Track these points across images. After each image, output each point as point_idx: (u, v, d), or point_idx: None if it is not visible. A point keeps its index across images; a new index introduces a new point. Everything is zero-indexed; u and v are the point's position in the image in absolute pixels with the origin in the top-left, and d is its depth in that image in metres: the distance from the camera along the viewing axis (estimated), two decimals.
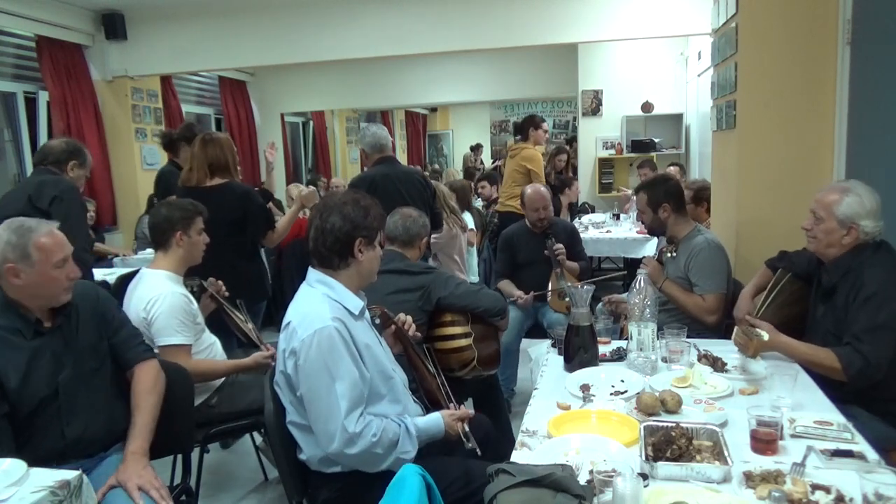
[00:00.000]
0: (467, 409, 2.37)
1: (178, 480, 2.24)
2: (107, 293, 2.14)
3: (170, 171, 4.13)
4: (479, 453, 1.94)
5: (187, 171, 3.47)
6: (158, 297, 2.43)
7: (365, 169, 4.42)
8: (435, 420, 1.97)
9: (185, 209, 2.66)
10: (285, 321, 1.92)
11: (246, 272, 3.43)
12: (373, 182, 3.76)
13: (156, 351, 2.28)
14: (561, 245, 3.78)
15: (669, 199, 2.88)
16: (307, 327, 1.82)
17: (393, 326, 2.21)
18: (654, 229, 3.01)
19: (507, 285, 3.89)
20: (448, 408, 2.11)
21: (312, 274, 2.00)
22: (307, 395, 1.82)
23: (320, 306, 1.88)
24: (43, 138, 5.61)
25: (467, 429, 1.97)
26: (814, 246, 2.24)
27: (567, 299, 3.62)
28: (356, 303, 1.95)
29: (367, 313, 2.03)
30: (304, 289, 2.00)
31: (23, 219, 1.90)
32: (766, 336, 2.08)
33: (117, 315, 2.11)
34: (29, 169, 5.52)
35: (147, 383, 2.03)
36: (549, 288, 3.77)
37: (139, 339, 2.13)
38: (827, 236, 2.17)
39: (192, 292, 2.67)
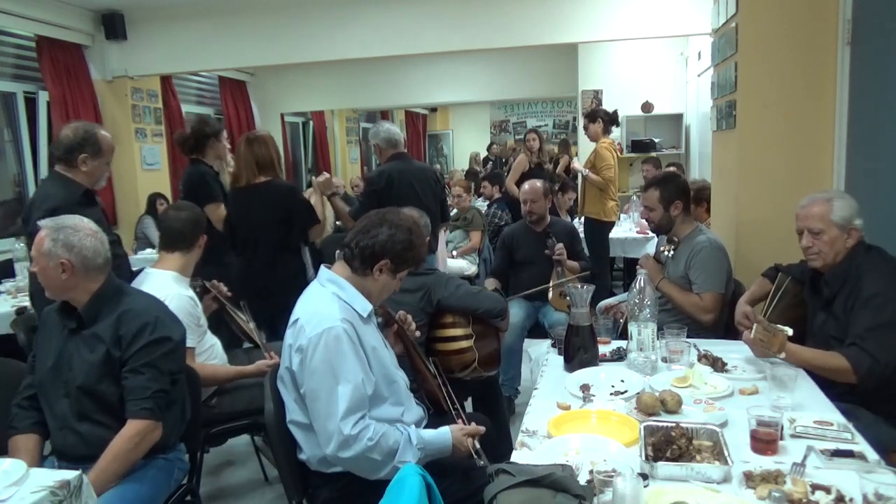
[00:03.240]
0: (468, 410, 2.37)
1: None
2: (149, 326, 1.99)
3: (208, 171, 3.74)
4: (490, 471, 1.90)
5: (235, 173, 3.49)
6: (165, 298, 2.43)
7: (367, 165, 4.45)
8: (442, 434, 1.92)
9: (201, 212, 2.72)
10: (293, 318, 1.92)
11: (292, 268, 3.47)
12: (389, 177, 3.80)
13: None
14: (562, 245, 3.79)
15: (682, 197, 2.87)
16: (316, 326, 1.83)
17: (395, 326, 2.21)
18: (661, 227, 2.95)
19: (491, 283, 3.90)
20: (452, 411, 2.10)
21: (324, 273, 2.00)
22: (309, 394, 1.82)
23: (330, 305, 1.88)
24: (43, 138, 5.61)
25: (478, 445, 1.92)
26: (820, 262, 2.20)
27: (567, 298, 3.63)
28: (365, 305, 1.95)
29: (374, 317, 2.03)
30: (314, 287, 2.00)
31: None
32: (790, 331, 2.04)
33: (137, 359, 1.96)
34: (28, 169, 5.54)
35: (123, 437, 1.91)
36: (550, 289, 3.77)
37: (143, 393, 1.95)
38: (832, 247, 2.16)
39: (195, 293, 2.68)
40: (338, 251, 2.03)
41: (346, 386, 1.79)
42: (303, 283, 3.49)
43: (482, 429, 1.99)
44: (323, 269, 2.02)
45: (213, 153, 3.82)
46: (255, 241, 3.44)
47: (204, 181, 3.66)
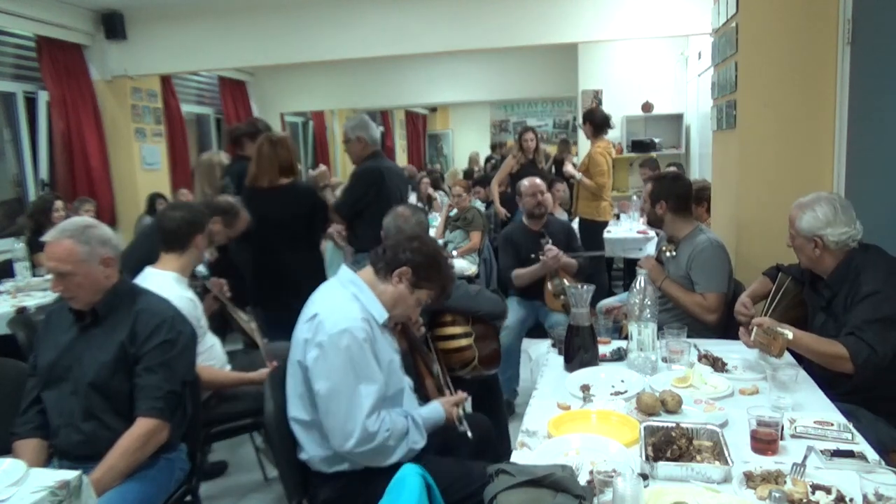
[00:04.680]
0: (468, 411, 2.37)
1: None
2: (165, 328, 2.01)
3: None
4: (470, 436, 2.01)
5: (255, 172, 3.55)
6: None
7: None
8: (435, 408, 2.03)
9: (199, 211, 2.70)
10: (311, 312, 1.92)
11: (318, 263, 3.65)
12: (381, 175, 3.76)
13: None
14: (554, 248, 3.75)
15: (669, 198, 2.88)
16: (336, 323, 1.84)
17: (398, 324, 2.22)
18: (649, 221, 3.07)
19: (519, 272, 3.84)
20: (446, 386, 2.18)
21: (346, 273, 2.02)
22: (328, 392, 1.82)
23: (350, 305, 1.91)
24: (43, 138, 5.62)
25: (461, 412, 2.03)
26: (802, 262, 2.32)
27: (562, 297, 3.62)
28: (382, 312, 1.96)
29: (388, 327, 2.03)
30: (333, 284, 2.02)
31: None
32: (790, 335, 2.04)
33: (152, 357, 1.98)
34: (28, 169, 5.54)
35: (133, 434, 1.92)
36: (545, 289, 3.76)
37: (155, 393, 1.97)
38: (802, 251, 2.25)
39: (196, 293, 2.67)
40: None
41: (371, 386, 1.83)
42: (323, 278, 3.59)
43: (465, 395, 2.15)
44: (345, 268, 2.05)
45: (249, 151, 3.91)
46: (284, 240, 3.50)
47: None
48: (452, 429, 2.05)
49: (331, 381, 1.82)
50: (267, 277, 3.52)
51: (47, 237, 1.97)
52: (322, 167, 3.90)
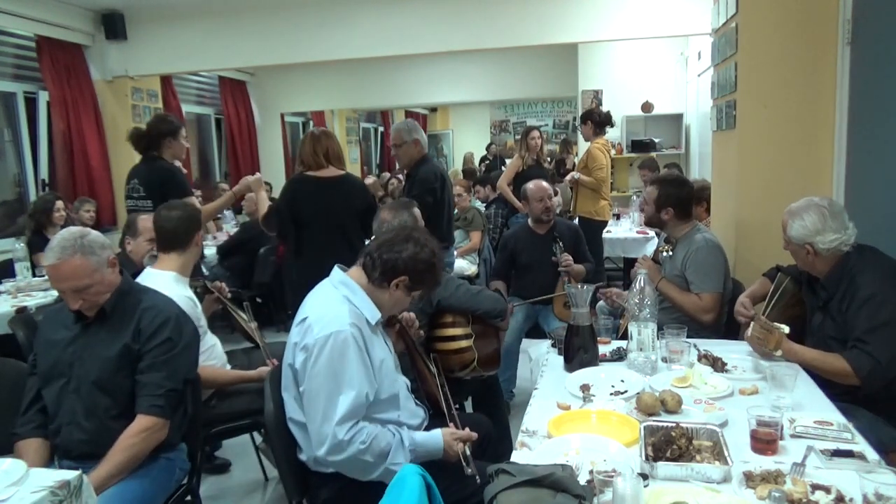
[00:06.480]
0: (468, 410, 2.35)
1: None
2: (171, 329, 2.03)
3: (174, 167, 3.65)
4: (479, 481, 1.81)
5: (307, 160, 3.44)
6: None
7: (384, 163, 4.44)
8: (434, 437, 1.93)
9: (195, 208, 2.72)
10: (301, 315, 1.92)
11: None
12: (442, 177, 3.86)
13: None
14: (568, 255, 3.75)
15: (676, 205, 2.87)
16: (324, 327, 1.82)
17: (397, 325, 2.22)
18: (650, 223, 3.09)
19: (499, 286, 3.88)
20: (449, 416, 2.09)
21: (338, 274, 2.00)
22: (308, 394, 1.82)
23: (340, 308, 1.89)
24: (43, 138, 5.62)
25: (468, 452, 1.91)
26: (798, 264, 2.33)
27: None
28: (374, 313, 1.94)
29: (381, 326, 2.02)
30: (325, 286, 1.99)
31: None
32: (786, 329, 2.06)
33: (155, 355, 2.00)
34: (29, 169, 5.54)
35: (132, 432, 1.94)
36: (556, 299, 3.74)
37: (156, 391, 1.98)
38: (796, 256, 2.27)
39: (196, 293, 2.67)
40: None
41: (349, 393, 1.79)
42: None
43: (474, 435, 1.97)
44: (337, 269, 2.02)
45: (169, 152, 3.69)
46: (338, 232, 3.43)
47: (175, 176, 3.61)
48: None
49: (312, 384, 1.81)
50: (309, 267, 3.33)
51: (48, 261, 1.93)
52: (258, 175, 3.69)
